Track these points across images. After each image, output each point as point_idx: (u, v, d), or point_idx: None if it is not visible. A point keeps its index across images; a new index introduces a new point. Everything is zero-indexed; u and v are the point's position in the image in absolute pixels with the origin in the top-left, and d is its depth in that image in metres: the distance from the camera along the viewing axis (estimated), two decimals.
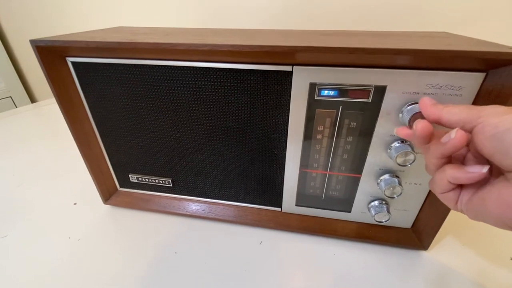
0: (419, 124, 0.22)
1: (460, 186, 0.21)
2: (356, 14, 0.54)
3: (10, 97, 1.07)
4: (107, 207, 0.43)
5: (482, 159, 0.21)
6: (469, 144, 0.23)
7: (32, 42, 0.30)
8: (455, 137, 0.20)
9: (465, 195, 0.21)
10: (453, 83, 0.25)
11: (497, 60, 0.23)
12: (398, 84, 0.26)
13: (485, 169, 0.19)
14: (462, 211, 0.22)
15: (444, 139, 0.21)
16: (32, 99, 1.16)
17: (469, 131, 0.20)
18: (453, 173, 0.20)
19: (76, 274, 0.33)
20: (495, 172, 0.20)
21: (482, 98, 0.25)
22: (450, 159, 0.22)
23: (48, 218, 0.41)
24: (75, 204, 0.44)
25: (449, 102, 0.25)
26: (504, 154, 0.17)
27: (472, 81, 0.25)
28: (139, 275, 0.33)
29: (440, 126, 0.22)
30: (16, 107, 1.08)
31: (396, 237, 0.36)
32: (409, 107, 0.26)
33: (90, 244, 0.37)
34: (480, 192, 0.20)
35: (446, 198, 0.22)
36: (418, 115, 0.25)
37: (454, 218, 0.37)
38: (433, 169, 0.23)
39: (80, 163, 0.39)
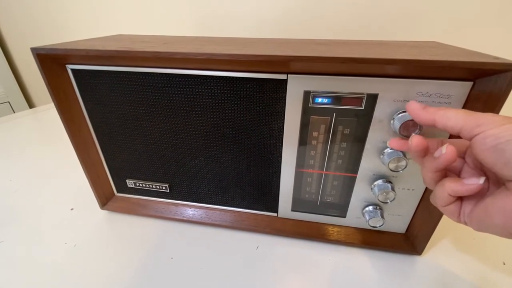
0: (414, 139, 0.23)
1: (461, 199, 0.22)
2: (350, 24, 0.56)
3: (8, 102, 1.07)
4: (104, 212, 0.43)
5: (478, 170, 0.22)
6: (465, 155, 0.23)
7: (33, 50, 0.30)
8: (446, 152, 0.20)
9: (467, 207, 0.21)
10: (442, 91, 0.26)
11: (482, 70, 0.24)
12: (389, 92, 0.27)
13: (481, 180, 0.20)
14: (465, 223, 0.22)
15: (436, 154, 0.21)
16: (30, 105, 1.16)
17: (467, 138, 0.20)
18: (452, 186, 0.21)
19: (72, 280, 0.33)
20: (495, 181, 0.21)
21: (470, 105, 0.26)
22: (446, 172, 0.23)
23: (45, 224, 0.41)
24: (72, 209, 0.44)
25: None
26: (506, 165, 0.17)
27: (460, 89, 0.26)
28: (135, 281, 0.33)
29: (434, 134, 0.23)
30: (14, 112, 1.08)
31: (390, 242, 0.36)
32: (400, 115, 0.27)
33: (87, 249, 0.37)
34: (482, 203, 0.20)
35: (448, 211, 0.22)
36: (409, 123, 0.26)
37: (447, 224, 0.38)
38: (430, 182, 0.23)
39: (77, 168, 0.39)
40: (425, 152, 0.23)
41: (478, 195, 0.21)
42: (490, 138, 0.18)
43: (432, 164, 0.22)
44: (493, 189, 0.21)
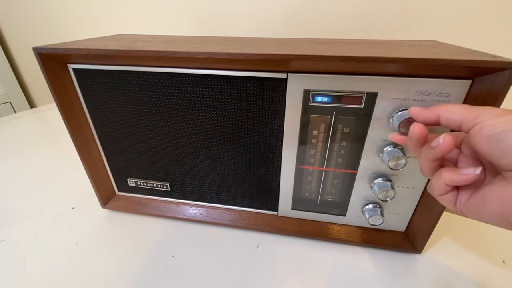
0: (416, 127, 0.23)
1: (457, 188, 0.22)
2: (350, 23, 0.56)
3: (10, 102, 1.08)
4: (105, 211, 0.44)
5: (474, 160, 0.22)
6: (461, 146, 0.23)
7: (35, 49, 0.30)
8: (443, 141, 0.21)
9: (463, 196, 0.22)
10: (441, 90, 0.26)
11: (481, 68, 0.24)
12: (388, 91, 0.27)
13: (478, 170, 0.20)
14: (462, 212, 0.22)
15: (434, 143, 0.22)
16: (31, 105, 1.17)
17: (466, 131, 0.20)
18: (448, 176, 0.21)
19: (73, 278, 0.33)
20: (491, 171, 0.21)
21: (469, 103, 0.26)
22: (443, 162, 0.23)
23: (46, 223, 0.42)
24: (73, 208, 0.44)
25: None
26: (502, 155, 0.18)
27: (459, 88, 0.26)
28: (136, 279, 0.33)
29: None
30: (15, 112, 1.09)
31: (390, 240, 0.37)
32: (399, 113, 0.27)
33: (88, 248, 0.37)
34: (480, 192, 0.21)
35: (445, 200, 0.23)
36: (408, 121, 0.26)
37: (447, 222, 0.38)
38: (427, 172, 0.24)
39: (78, 168, 0.40)
40: (424, 141, 0.23)
41: (475, 185, 0.21)
42: (486, 128, 0.19)
43: (429, 154, 0.22)
44: (489, 178, 0.21)
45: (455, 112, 0.21)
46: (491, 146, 0.18)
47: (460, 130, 0.21)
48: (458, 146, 0.24)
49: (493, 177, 0.21)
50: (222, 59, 0.28)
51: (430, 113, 0.22)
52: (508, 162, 0.18)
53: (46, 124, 0.77)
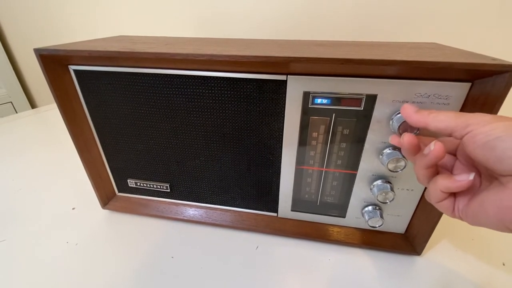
0: (405, 137, 0.23)
1: (454, 194, 0.22)
2: (350, 25, 0.56)
3: (11, 102, 1.08)
4: (105, 212, 0.44)
5: (470, 166, 0.22)
6: (456, 152, 0.24)
7: (36, 50, 0.31)
8: (434, 148, 0.21)
9: (461, 202, 0.22)
10: (441, 93, 0.26)
11: (481, 71, 0.24)
12: (388, 93, 0.27)
13: (471, 176, 0.20)
14: (460, 218, 0.22)
15: (425, 151, 0.22)
16: (33, 105, 1.17)
17: (458, 138, 0.20)
18: (444, 183, 0.21)
19: (73, 279, 0.33)
20: (487, 177, 0.21)
21: (468, 106, 0.26)
22: (437, 169, 0.23)
23: (47, 223, 0.42)
24: (73, 209, 0.44)
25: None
26: (497, 161, 0.18)
27: (459, 90, 0.26)
28: (136, 280, 0.33)
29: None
30: (17, 112, 1.09)
31: (390, 242, 0.37)
32: (398, 115, 0.27)
33: (88, 248, 0.37)
34: (477, 198, 0.21)
35: (443, 207, 0.23)
36: (407, 124, 0.26)
37: (447, 224, 0.38)
38: (422, 179, 0.24)
39: (79, 168, 0.40)
40: (417, 150, 0.23)
41: (471, 191, 0.21)
42: (479, 136, 0.19)
43: (422, 161, 0.22)
44: (486, 184, 0.21)
45: (444, 120, 0.21)
46: (486, 153, 0.18)
47: (451, 137, 0.21)
48: (453, 152, 0.24)
49: (489, 182, 0.21)
50: (223, 61, 0.28)
51: (420, 119, 0.23)
52: (503, 168, 0.18)
53: (47, 125, 0.77)
